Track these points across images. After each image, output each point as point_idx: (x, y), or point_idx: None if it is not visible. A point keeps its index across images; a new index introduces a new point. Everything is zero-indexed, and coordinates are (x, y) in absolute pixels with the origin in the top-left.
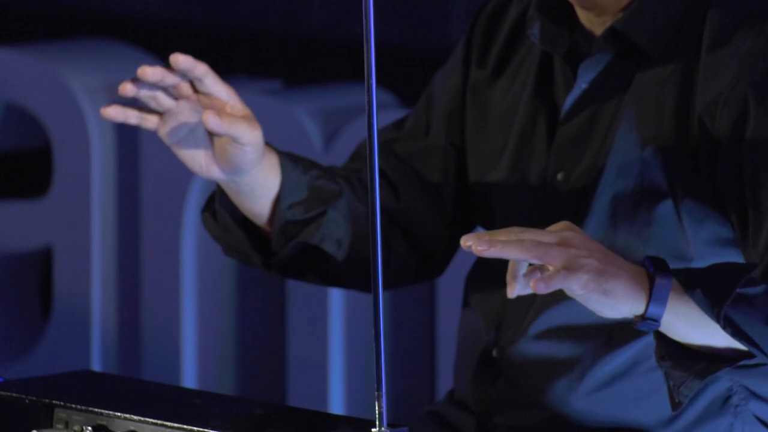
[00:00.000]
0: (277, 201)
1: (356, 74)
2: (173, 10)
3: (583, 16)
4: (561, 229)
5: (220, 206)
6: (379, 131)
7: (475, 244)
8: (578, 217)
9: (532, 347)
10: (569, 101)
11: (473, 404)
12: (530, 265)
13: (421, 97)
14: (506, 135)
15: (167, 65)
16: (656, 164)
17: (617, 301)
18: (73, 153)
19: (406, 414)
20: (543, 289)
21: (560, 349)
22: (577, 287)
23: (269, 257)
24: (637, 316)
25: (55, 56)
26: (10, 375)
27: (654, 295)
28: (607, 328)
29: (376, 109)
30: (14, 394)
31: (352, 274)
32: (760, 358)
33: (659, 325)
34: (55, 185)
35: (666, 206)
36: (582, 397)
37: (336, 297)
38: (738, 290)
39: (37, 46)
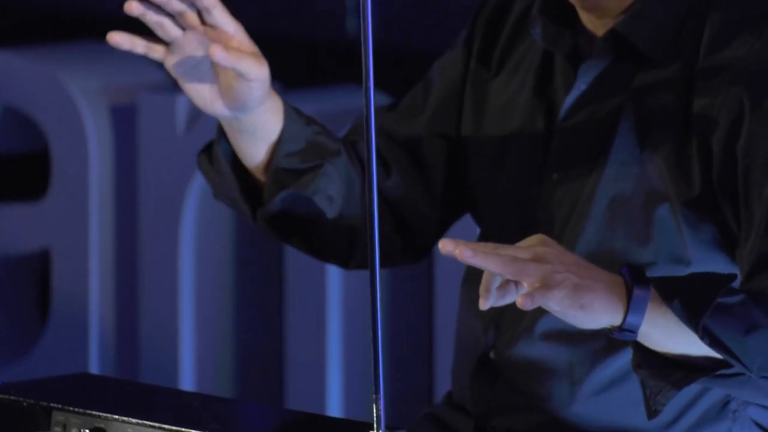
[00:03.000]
0: (275, 147)
1: (354, 77)
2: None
3: (585, 18)
4: (534, 243)
5: (217, 149)
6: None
7: (460, 250)
8: (577, 220)
9: (530, 350)
10: (569, 101)
11: (471, 407)
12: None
13: (418, 83)
14: (504, 131)
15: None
16: (655, 166)
17: (595, 315)
18: (71, 155)
19: (404, 416)
20: (529, 306)
21: (559, 353)
22: (554, 304)
23: (258, 208)
24: (614, 326)
25: (54, 59)
26: (7, 377)
27: (632, 306)
28: (606, 333)
29: (375, 112)
30: (12, 397)
31: (337, 241)
32: (737, 368)
33: (636, 336)
34: (53, 188)
35: (664, 209)
36: (581, 401)
37: (334, 299)
38: (717, 300)
39: (35, 48)
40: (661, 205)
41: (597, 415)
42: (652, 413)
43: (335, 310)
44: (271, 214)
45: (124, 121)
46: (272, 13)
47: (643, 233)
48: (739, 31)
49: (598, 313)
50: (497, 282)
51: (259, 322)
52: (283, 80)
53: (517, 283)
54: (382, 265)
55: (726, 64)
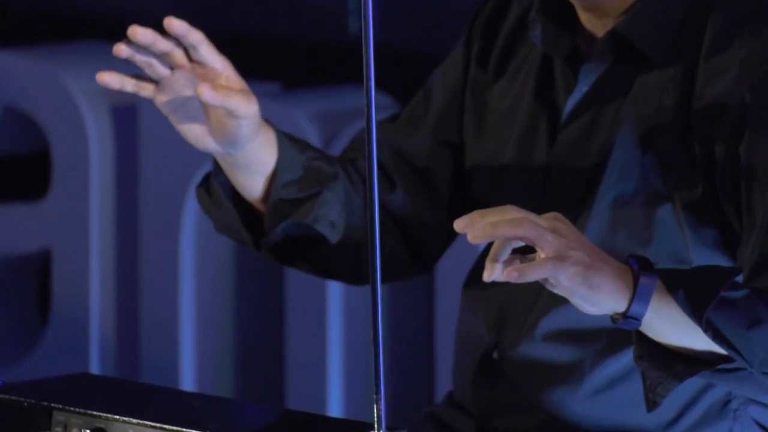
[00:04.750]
0: (272, 178)
1: (355, 77)
2: (172, 14)
3: (585, 18)
4: (551, 218)
5: (215, 182)
6: (376, 124)
7: (470, 232)
8: (578, 221)
9: (533, 350)
10: (570, 104)
11: (472, 407)
12: (513, 252)
13: (419, 92)
14: (506, 136)
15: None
16: (656, 168)
17: (602, 297)
18: (71, 156)
19: (405, 416)
20: (516, 279)
21: (561, 353)
22: (565, 278)
23: (261, 237)
24: (618, 314)
25: (55, 59)
26: (8, 378)
27: (637, 294)
28: (607, 332)
29: (375, 112)
30: (12, 397)
31: (343, 260)
32: (739, 363)
33: (640, 324)
34: (53, 188)
35: (666, 210)
36: (582, 401)
37: (335, 299)
38: (721, 294)
39: (36, 48)
40: (662, 206)
41: (598, 415)
42: (651, 405)
43: (336, 309)
44: (274, 243)
45: (124, 122)
46: (272, 13)
47: (644, 234)
48: (740, 31)
49: (605, 295)
50: (506, 254)
51: (260, 323)
52: (283, 80)
53: (522, 259)
54: (390, 279)
55: (727, 64)
